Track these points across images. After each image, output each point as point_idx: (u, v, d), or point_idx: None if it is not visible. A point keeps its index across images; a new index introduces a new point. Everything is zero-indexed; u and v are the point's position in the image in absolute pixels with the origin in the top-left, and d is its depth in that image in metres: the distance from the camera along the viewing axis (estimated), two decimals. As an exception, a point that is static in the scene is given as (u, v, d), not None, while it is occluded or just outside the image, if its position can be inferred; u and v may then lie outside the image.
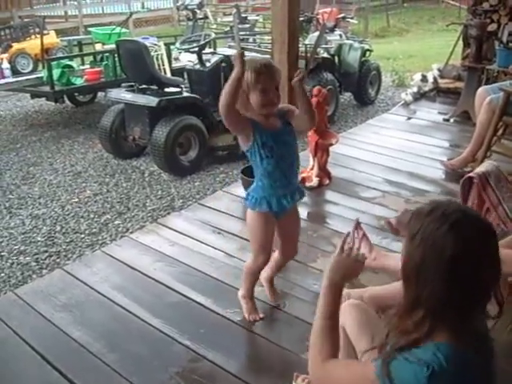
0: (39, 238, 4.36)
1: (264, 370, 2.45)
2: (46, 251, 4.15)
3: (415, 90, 6.84)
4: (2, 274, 3.86)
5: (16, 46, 8.16)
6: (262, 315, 2.73)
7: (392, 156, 4.95)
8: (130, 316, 2.81)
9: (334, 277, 1.59)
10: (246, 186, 4.13)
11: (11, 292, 3.19)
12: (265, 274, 2.82)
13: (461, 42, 6.91)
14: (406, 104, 6.67)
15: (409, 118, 6.28)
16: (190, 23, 8.97)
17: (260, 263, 2.60)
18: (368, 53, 7.56)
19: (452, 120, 5.94)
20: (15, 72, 7.66)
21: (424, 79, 6.98)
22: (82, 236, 4.37)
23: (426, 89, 6.90)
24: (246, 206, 2.52)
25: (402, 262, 1.38)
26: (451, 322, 1.32)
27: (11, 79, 7.44)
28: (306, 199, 4.19)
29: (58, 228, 4.52)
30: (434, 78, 6.95)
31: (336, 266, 1.60)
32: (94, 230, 4.45)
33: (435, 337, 1.31)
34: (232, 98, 2.20)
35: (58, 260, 4.02)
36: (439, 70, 7.09)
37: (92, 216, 4.72)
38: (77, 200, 5.08)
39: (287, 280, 3.11)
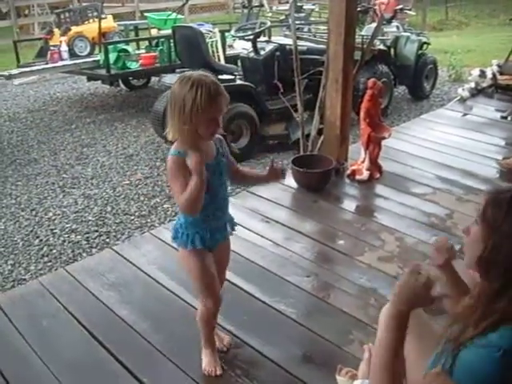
0: (90, 218, 4.47)
1: (305, 359, 2.45)
2: (97, 231, 4.26)
3: (472, 85, 6.66)
4: (54, 251, 3.98)
5: (74, 29, 8.37)
6: (219, 372, 2.36)
7: (445, 152, 4.84)
8: (176, 298, 2.85)
9: (398, 305, 1.38)
10: (297, 176, 4.13)
11: (62, 268, 3.30)
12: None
13: (524, 38, 6.69)
14: (463, 100, 6.50)
15: (464, 115, 6.12)
16: (245, 11, 8.96)
17: (211, 307, 2.28)
18: (425, 46, 7.40)
19: (510, 118, 5.78)
20: (73, 55, 7.87)
21: (482, 75, 6.77)
22: (132, 218, 4.46)
23: (484, 85, 6.71)
24: (177, 244, 2.25)
25: (485, 255, 1.30)
26: None
27: (69, 61, 7.66)
28: (355, 192, 4.20)
29: (109, 209, 4.62)
30: (493, 74, 6.74)
31: (401, 292, 1.38)
32: (144, 213, 4.53)
33: (503, 323, 1.25)
34: (199, 204, 2.02)
35: (107, 240, 4.11)
36: (499, 65, 6.87)
37: (142, 198, 4.80)
38: (128, 182, 5.18)
39: (333, 272, 3.10)
